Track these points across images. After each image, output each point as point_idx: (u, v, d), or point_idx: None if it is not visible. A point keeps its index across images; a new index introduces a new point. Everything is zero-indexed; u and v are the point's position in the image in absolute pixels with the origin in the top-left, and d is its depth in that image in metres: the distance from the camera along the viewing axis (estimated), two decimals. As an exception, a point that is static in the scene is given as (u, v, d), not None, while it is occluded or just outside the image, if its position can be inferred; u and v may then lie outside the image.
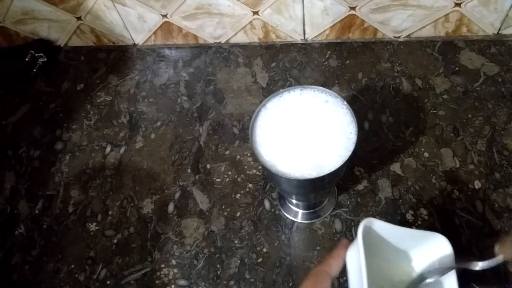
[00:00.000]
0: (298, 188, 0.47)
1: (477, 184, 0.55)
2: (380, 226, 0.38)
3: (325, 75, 0.68)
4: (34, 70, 0.73)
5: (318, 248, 0.53)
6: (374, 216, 0.54)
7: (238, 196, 0.58)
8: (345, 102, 0.44)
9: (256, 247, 0.54)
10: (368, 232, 0.38)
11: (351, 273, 0.38)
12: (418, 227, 0.53)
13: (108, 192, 0.60)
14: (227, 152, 0.62)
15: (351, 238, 0.53)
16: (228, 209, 0.57)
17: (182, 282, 0.52)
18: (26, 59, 0.72)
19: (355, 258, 0.37)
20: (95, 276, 0.54)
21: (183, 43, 0.75)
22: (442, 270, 0.39)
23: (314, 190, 0.48)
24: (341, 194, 0.56)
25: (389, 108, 0.63)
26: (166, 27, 0.72)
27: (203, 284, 0.52)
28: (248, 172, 0.60)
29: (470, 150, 0.58)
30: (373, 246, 0.39)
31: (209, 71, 0.71)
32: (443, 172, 0.57)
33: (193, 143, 0.63)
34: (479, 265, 0.37)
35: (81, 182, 0.61)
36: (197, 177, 0.60)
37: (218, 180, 0.59)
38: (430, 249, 0.40)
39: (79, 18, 0.72)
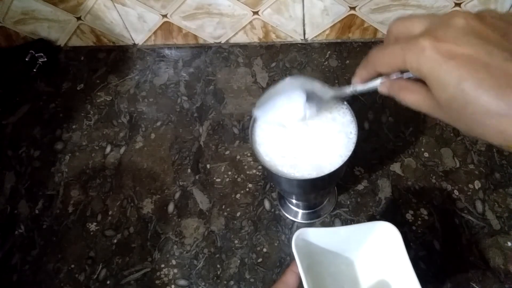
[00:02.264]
0: (298, 188, 0.47)
1: (477, 184, 0.55)
2: (315, 234, 0.38)
3: (325, 75, 0.68)
4: (34, 70, 0.73)
5: (318, 248, 0.53)
6: (375, 217, 0.54)
7: (238, 196, 0.58)
8: (345, 102, 0.44)
9: (256, 247, 0.54)
10: (304, 243, 0.37)
11: None
12: (418, 227, 0.53)
13: (108, 192, 0.60)
14: (227, 152, 0.62)
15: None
16: (228, 209, 0.57)
17: (182, 282, 0.52)
18: (26, 59, 0.72)
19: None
20: (95, 276, 0.54)
21: (183, 43, 0.75)
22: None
23: (314, 190, 0.48)
24: (341, 194, 0.56)
25: (389, 108, 0.63)
26: (166, 27, 0.72)
27: (203, 284, 0.52)
28: (248, 172, 0.60)
29: (470, 150, 0.58)
30: (317, 255, 0.39)
31: (209, 71, 0.71)
32: (443, 172, 0.57)
33: (193, 143, 0.63)
34: (352, 88, 0.35)
35: (81, 182, 0.61)
36: (197, 177, 0.60)
37: (218, 180, 0.59)
38: (372, 236, 0.40)
39: (79, 18, 0.72)
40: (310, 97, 0.39)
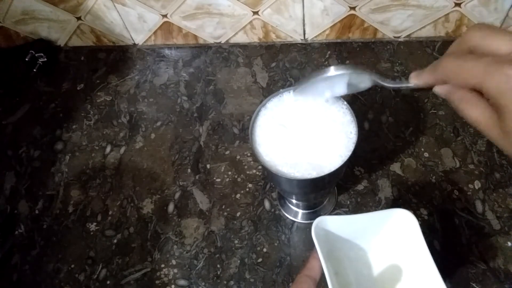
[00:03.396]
0: (298, 188, 0.47)
1: (477, 184, 0.55)
2: (334, 221, 0.38)
3: (325, 75, 0.68)
4: (34, 70, 0.73)
5: (318, 248, 0.53)
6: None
7: (238, 196, 0.58)
8: (345, 102, 0.44)
9: (256, 247, 0.54)
10: (323, 231, 0.38)
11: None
12: (418, 227, 0.53)
13: (108, 192, 0.60)
14: (227, 152, 0.62)
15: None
16: (228, 209, 0.57)
17: (182, 282, 0.52)
18: (26, 59, 0.72)
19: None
20: (95, 276, 0.54)
21: (183, 43, 0.75)
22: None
23: (314, 190, 0.48)
24: (341, 194, 0.56)
25: (389, 108, 0.63)
26: (166, 27, 0.72)
27: (203, 284, 0.52)
28: (248, 172, 0.60)
29: (470, 150, 0.58)
30: (336, 242, 0.40)
31: (209, 71, 0.71)
32: (443, 172, 0.57)
33: (193, 143, 0.63)
34: (391, 83, 0.34)
35: (81, 182, 0.61)
36: (197, 177, 0.60)
37: (218, 180, 0.59)
38: (391, 224, 0.40)
39: (79, 18, 0.72)
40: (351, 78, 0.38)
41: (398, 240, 0.40)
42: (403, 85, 0.32)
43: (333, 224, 0.38)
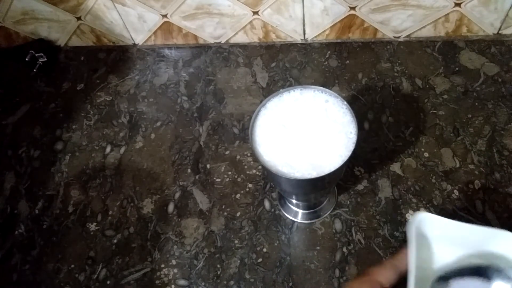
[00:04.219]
0: (298, 188, 0.47)
1: (477, 184, 0.55)
2: (436, 222, 0.35)
3: (325, 75, 0.68)
4: (34, 70, 0.73)
5: (318, 248, 0.53)
6: (374, 216, 0.54)
7: (238, 196, 0.58)
8: (345, 102, 0.44)
9: (256, 247, 0.54)
10: (421, 230, 0.35)
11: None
12: (418, 227, 0.53)
13: (108, 192, 0.60)
14: (227, 152, 0.62)
15: (351, 238, 0.53)
16: (228, 209, 0.57)
17: (182, 282, 0.52)
18: (26, 59, 0.72)
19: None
20: (95, 276, 0.54)
21: (183, 43, 0.75)
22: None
23: (314, 190, 0.48)
24: (341, 194, 0.57)
25: (389, 108, 0.63)
26: (166, 27, 0.72)
27: (203, 284, 0.52)
28: (248, 172, 0.60)
29: (470, 150, 0.58)
30: (431, 245, 0.36)
31: (209, 71, 0.71)
32: (443, 172, 0.57)
33: (193, 143, 0.63)
34: None
35: (81, 182, 0.61)
36: (197, 177, 0.60)
37: (218, 180, 0.59)
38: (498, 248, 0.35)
39: (79, 18, 0.72)
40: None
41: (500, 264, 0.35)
42: None
43: (435, 224, 0.35)
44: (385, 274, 0.36)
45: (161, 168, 0.61)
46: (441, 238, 0.36)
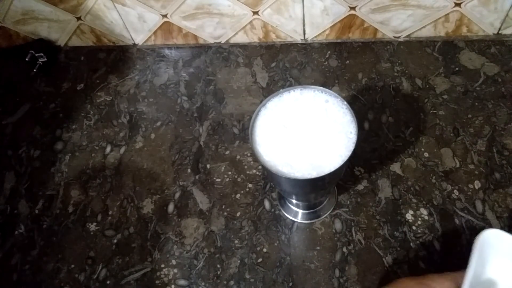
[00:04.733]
0: (298, 188, 0.47)
1: (477, 184, 0.55)
2: (505, 240, 0.34)
3: (325, 75, 0.68)
4: (34, 70, 0.73)
5: (318, 248, 0.53)
6: (374, 216, 0.54)
7: (238, 196, 0.58)
8: (345, 102, 0.44)
9: (256, 247, 0.54)
10: (487, 246, 0.34)
11: None
12: (418, 227, 0.53)
13: (108, 192, 0.60)
14: (227, 152, 0.62)
15: (351, 238, 0.53)
16: (228, 209, 0.57)
17: (182, 282, 0.52)
18: (26, 59, 0.72)
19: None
20: (95, 276, 0.54)
21: (183, 43, 0.75)
22: None
23: (314, 190, 0.48)
24: (341, 194, 0.56)
25: (389, 108, 0.63)
26: (166, 27, 0.72)
27: (203, 284, 0.52)
28: (248, 172, 0.60)
29: (470, 150, 0.58)
30: (495, 266, 0.35)
31: (209, 71, 0.71)
32: (443, 172, 0.57)
33: (193, 143, 0.63)
34: None
35: (81, 182, 0.61)
36: (197, 177, 0.60)
37: (218, 180, 0.59)
38: None
39: (79, 18, 0.72)
40: None
41: None
42: None
43: (504, 242, 0.34)
44: (444, 284, 0.35)
45: (161, 168, 0.61)
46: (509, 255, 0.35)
